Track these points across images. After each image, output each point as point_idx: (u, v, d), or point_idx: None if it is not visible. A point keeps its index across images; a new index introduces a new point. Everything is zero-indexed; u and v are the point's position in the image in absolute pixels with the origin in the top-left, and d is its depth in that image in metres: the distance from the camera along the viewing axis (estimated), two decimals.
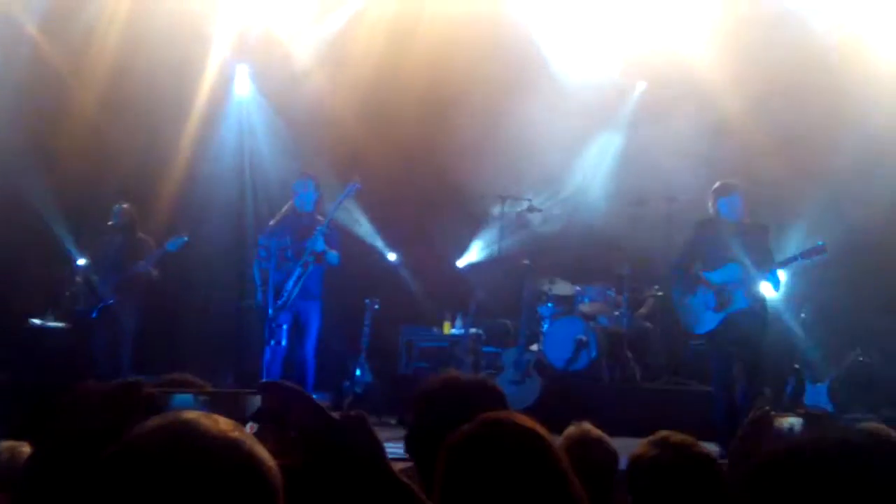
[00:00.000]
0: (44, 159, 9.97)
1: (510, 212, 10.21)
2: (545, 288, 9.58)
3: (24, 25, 10.15)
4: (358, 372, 9.23)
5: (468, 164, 9.78)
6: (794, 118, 9.27)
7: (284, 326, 7.93)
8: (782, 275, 7.62)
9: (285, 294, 7.93)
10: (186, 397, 1.55)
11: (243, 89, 11.07)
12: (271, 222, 8.33)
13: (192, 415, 1.29)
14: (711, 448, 3.51)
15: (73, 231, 9.85)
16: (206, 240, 9.86)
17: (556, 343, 9.18)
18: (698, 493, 2.59)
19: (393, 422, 8.17)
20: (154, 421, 1.28)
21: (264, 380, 1.70)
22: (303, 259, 7.97)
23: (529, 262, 9.34)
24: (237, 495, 1.23)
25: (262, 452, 1.28)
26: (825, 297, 8.93)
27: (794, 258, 7.29)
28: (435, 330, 10.15)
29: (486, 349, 9.64)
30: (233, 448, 1.25)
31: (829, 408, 8.32)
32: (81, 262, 9.27)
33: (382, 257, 10.77)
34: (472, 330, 9.57)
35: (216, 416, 1.30)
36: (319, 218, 8.17)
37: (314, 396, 1.65)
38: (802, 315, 8.98)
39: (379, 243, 10.71)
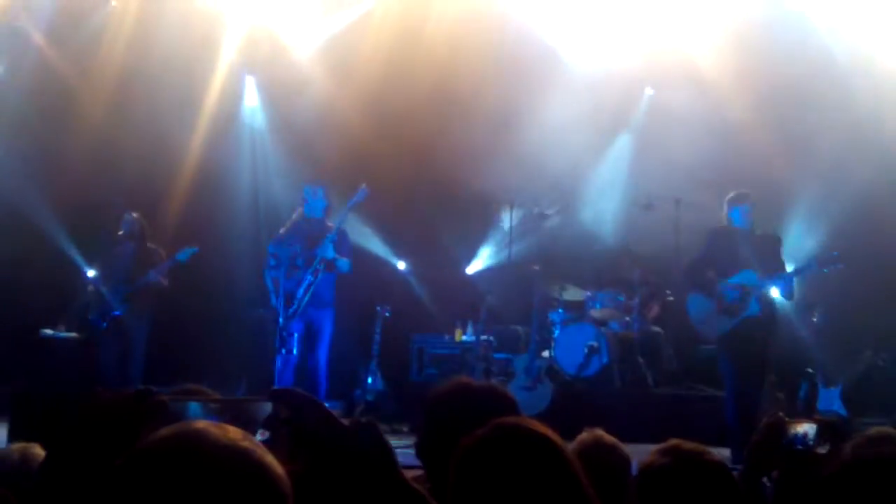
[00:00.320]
0: (51, 168, 10.01)
1: (520, 217, 10.20)
2: (556, 294, 9.58)
3: (31, 33, 10.20)
4: (369, 380, 9.23)
5: (477, 169, 9.78)
6: (800, 119, 9.28)
7: (296, 335, 7.93)
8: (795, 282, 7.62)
9: (296, 303, 7.93)
10: (198, 405, 1.55)
11: (251, 97, 11.11)
12: (281, 230, 8.34)
13: (201, 424, 1.30)
14: (724, 453, 3.49)
15: (81, 241, 9.87)
16: (217, 249, 9.87)
17: (567, 349, 9.17)
18: (711, 502, 2.58)
19: (405, 429, 8.16)
20: (163, 431, 1.29)
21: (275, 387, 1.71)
22: (313, 267, 7.97)
23: (539, 267, 9.33)
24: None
25: (272, 461, 1.28)
26: (837, 301, 8.89)
27: (809, 267, 7.32)
28: (446, 337, 10.13)
29: (497, 356, 9.61)
30: (242, 457, 1.25)
31: (843, 411, 8.28)
32: (91, 273, 9.29)
33: (392, 265, 10.76)
34: (483, 337, 9.56)
35: (225, 426, 1.30)
36: (329, 225, 8.17)
37: (326, 404, 1.65)
38: (814, 318, 8.94)
39: (388, 251, 10.71)
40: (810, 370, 8.67)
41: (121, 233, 8.89)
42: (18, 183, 9.71)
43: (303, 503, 1.34)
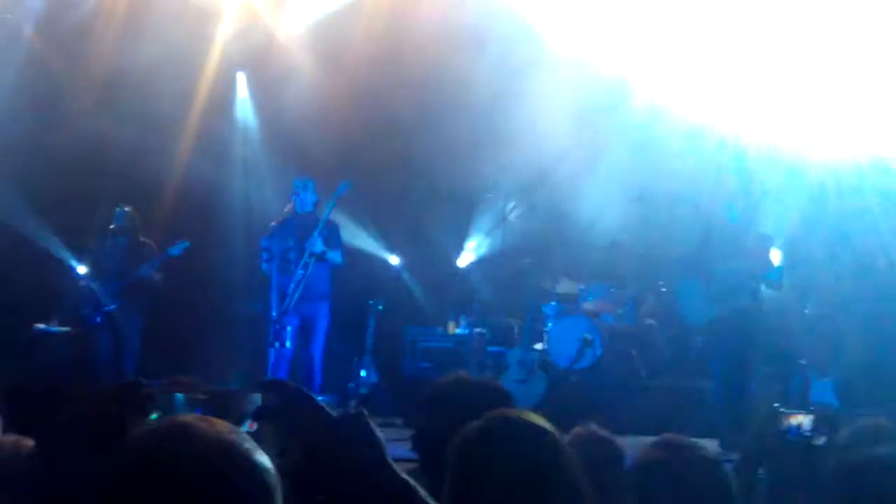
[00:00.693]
0: (42, 161, 9.96)
1: (509, 208, 10.18)
2: (549, 286, 9.58)
3: (21, 27, 10.15)
4: (363, 373, 9.23)
5: (467, 161, 9.77)
6: None
7: (289, 328, 7.93)
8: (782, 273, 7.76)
9: (288, 297, 7.93)
10: (185, 397, 1.55)
11: (243, 92, 11.09)
12: (272, 224, 8.33)
13: (188, 418, 1.30)
14: (712, 444, 3.50)
15: (71, 235, 9.83)
16: (210, 243, 9.85)
17: (560, 342, 9.17)
18: (704, 496, 2.59)
19: (399, 422, 8.17)
20: (150, 425, 1.29)
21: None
22: (303, 261, 7.97)
23: (532, 260, 9.33)
24: (234, 497, 1.23)
25: (259, 454, 1.28)
26: (829, 291, 8.91)
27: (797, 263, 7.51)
28: (439, 330, 10.15)
29: (490, 349, 9.62)
30: (228, 450, 1.25)
31: (836, 403, 8.29)
32: (81, 269, 9.26)
33: (384, 259, 10.75)
34: (477, 329, 9.56)
35: (212, 419, 1.31)
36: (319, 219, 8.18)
37: (320, 398, 1.64)
38: (807, 310, 8.95)
39: (380, 245, 10.70)
40: (803, 361, 8.69)
41: (113, 226, 8.86)
42: (6, 179, 9.66)
43: (292, 497, 1.34)
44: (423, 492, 1.65)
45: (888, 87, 8.97)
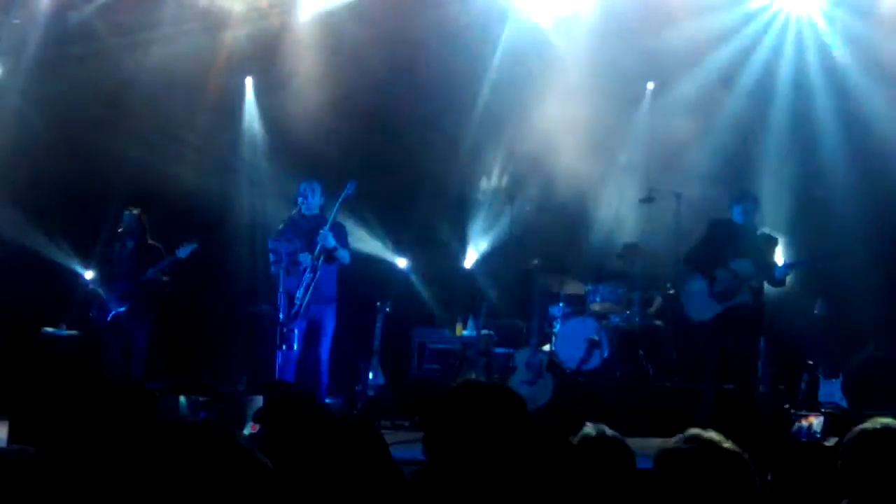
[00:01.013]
0: (50, 167, 9.98)
1: (516, 207, 10.18)
2: (556, 288, 9.56)
3: (29, 32, 10.17)
4: (370, 375, 9.22)
5: (474, 162, 9.77)
6: None
7: (296, 331, 7.93)
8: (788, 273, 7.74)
9: (297, 302, 7.93)
10: (188, 398, 1.55)
11: (250, 96, 11.11)
12: (279, 226, 8.33)
13: (191, 420, 1.30)
14: None
15: (80, 242, 9.85)
16: (218, 246, 9.85)
17: (568, 343, 9.16)
18: (729, 489, 2.59)
19: (406, 424, 8.16)
20: (153, 428, 1.29)
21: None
22: (315, 254, 7.97)
23: (539, 261, 9.32)
24: (234, 499, 1.23)
25: (259, 456, 1.28)
26: (838, 291, 8.89)
27: (806, 262, 7.48)
28: (447, 332, 10.13)
29: (498, 350, 9.60)
30: (228, 451, 1.25)
31: (844, 403, 8.26)
32: (89, 275, 9.26)
33: (391, 261, 10.75)
34: (484, 331, 9.54)
35: (214, 422, 1.30)
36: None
37: (327, 400, 1.64)
38: (816, 310, 8.93)
39: (388, 248, 10.69)
40: (811, 362, 8.67)
41: (121, 229, 8.87)
42: (16, 183, 9.69)
43: (294, 498, 1.34)
44: (425, 493, 1.65)
45: None
